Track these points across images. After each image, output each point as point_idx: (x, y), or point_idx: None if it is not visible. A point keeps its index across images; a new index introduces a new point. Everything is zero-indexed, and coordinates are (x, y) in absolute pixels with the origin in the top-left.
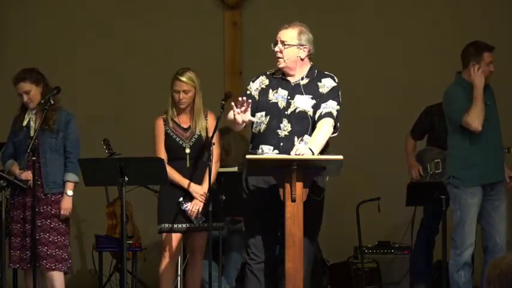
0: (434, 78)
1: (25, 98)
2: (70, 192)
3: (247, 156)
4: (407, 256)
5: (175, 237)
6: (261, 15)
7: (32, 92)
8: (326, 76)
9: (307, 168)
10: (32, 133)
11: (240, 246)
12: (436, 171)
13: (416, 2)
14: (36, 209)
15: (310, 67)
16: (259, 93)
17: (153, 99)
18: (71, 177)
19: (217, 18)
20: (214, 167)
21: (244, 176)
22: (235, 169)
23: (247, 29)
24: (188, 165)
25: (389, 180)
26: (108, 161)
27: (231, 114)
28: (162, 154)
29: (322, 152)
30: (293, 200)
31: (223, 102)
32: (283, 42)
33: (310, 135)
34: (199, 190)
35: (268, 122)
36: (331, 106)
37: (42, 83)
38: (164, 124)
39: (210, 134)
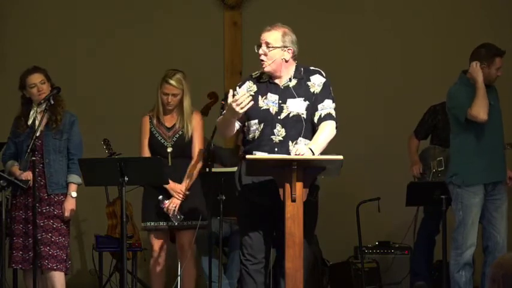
0: (435, 79)
1: (39, 87)
2: (74, 194)
3: (248, 156)
4: (408, 256)
5: (160, 236)
6: (261, 15)
7: (45, 84)
8: (313, 73)
9: (307, 168)
10: (36, 133)
11: None
12: (439, 169)
13: (417, 2)
14: (39, 209)
15: (296, 66)
16: None
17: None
18: (75, 178)
19: (217, 18)
20: (196, 167)
21: (237, 175)
22: (235, 169)
23: (247, 29)
24: (170, 163)
25: (389, 180)
26: (108, 161)
27: (226, 114)
28: (146, 151)
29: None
30: (293, 200)
31: (223, 102)
32: (267, 45)
33: (304, 137)
34: (177, 188)
35: (262, 129)
36: (329, 106)
37: (49, 81)
38: (149, 122)
39: (194, 133)
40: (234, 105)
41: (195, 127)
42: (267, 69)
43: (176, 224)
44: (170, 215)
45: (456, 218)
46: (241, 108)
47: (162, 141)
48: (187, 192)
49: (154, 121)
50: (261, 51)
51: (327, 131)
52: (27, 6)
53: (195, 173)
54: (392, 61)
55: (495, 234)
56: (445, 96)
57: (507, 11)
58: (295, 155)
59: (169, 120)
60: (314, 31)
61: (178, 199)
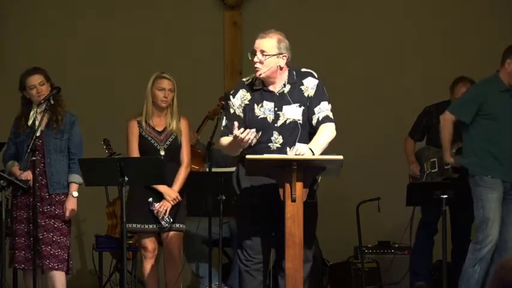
0: (435, 79)
1: (39, 89)
2: (75, 194)
3: (247, 156)
4: (407, 256)
5: (151, 236)
6: (261, 15)
7: (45, 85)
8: (305, 76)
9: (307, 168)
10: (36, 133)
11: None
12: (433, 171)
13: (416, 4)
14: (40, 209)
15: (289, 71)
16: (243, 109)
17: None
18: (76, 178)
19: (217, 18)
20: (185, 171)
21: (235, 177)
22: (234, 169)
23: (247, 29)
24: None
25: (389, 180)
26: (108, 161)
27: (233, 138)
28: (135, 155)
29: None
30: (293, 200)
31: (223, 102)
32: (262, 52)
33: (300, 142)
34: (173, 194)
35: (259, 137)
36: (325, 108)
37: (49, 81)
38: (138, 126)
39: (182, 139)
40: (239, 141)
41: (183, 133)
42: (262, 76)
43: (167, 225)
44: (160, 218)
45: (477, 217)
46: (247, 142)
47: (155, 144)
48: (180, 198)
49: (144, 125)
50: (256, 59)
51: (326, 133)
52: (27, 6)
53: (184, 178)
54: (392, 61)
55: (504, 234)
56: (443, 97)
57: (507, 11)
58: (296, 155)
59: (159, 124)
60: (314, 31)
61: (170, 203)
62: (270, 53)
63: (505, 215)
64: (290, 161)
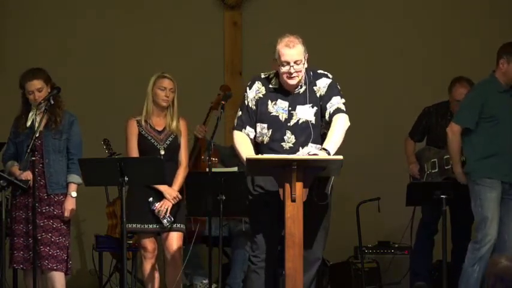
0: (434, 79)
1: (36, 95)
2: (74, 194)
3: (247, 156)
4: (407, 256)
5: (151, 236)
6: (261, 15)
7: (43, 90)
8: (319, 77)
9: (307, 168)
10: (35, 133)
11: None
12: (433, 171)
13: (416, 4)
14: (39, 210)
15: (306, 71)
16: (256, 102)
17: None
18: (75, 178)
19: (217, 18)
20: (184, 172)
21: (250, 178)
22: (235, 169)
23: (247, 29)
24: None
25: (389, 180)
26: (108, 161)
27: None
28: (135, 154)
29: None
30: (293, 200)
31: (223, 102)
32: (296, 62)
33: (313, 142)
34: (174, 193)
35: (271, 134)
36: (337, 102)
37: (50, 83)
38: (138, 125)
39: (181, 139)
40: None
41: (182, 134)
42: (296, 82)
43: (168, 225)
44: (161, 217)
45: (476, 216)
46: None
47: (155, 143)
48: (180, 197)
49: (144, 124)
50: (293, 70)
51: (338, 125)
52: (27, 6)
53: (183, 178)
54: (392, 61)
55: (503, 233)
56: (443, 97)
57: (507, 11)
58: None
59: (158, 124)
60: (314, 31)
61: (171, 202)
62: (302, 58)
63: (504, 215)
64: (290, 161)
